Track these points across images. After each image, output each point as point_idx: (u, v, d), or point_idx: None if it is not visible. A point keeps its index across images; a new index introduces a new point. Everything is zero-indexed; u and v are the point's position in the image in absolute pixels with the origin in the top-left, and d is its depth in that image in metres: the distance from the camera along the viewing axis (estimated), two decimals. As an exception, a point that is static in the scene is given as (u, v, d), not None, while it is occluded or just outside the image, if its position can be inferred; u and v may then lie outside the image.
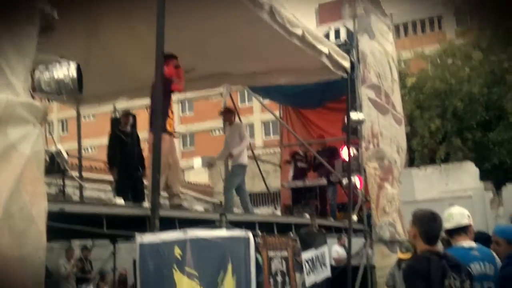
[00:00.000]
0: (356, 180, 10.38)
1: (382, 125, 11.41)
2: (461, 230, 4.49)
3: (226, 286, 5.23)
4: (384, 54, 12.06)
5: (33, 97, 3.69)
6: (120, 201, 6.45)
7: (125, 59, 8.37)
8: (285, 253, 7.23)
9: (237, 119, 9.84)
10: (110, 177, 10.41)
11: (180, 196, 7.30)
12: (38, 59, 3.72)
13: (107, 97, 10.41)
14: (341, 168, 10.85)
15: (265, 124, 41.41)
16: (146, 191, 8.14)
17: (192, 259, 4.89)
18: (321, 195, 10.73)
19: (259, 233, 6.76)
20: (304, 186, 10.93)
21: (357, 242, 10.68)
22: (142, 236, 4.75)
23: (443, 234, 4.26)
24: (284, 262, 7.16)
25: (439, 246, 4.20)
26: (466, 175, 20.07)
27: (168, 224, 5.41)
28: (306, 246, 7.90)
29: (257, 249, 6.17)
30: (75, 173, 9.81)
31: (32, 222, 3.31)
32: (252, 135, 38.04)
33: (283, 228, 8.00)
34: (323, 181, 10.80)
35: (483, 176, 20.41)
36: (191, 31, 7.37)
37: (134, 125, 9.40)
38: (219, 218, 6.06)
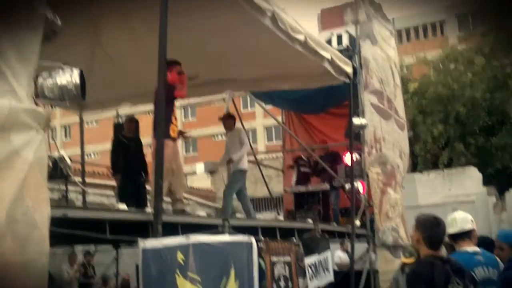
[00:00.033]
0: (359, 185, 10.37)
1: (384, 130, 11.39)
2: (465, 235, 4.49)
3: (229, 292, 5.23)
4: (386, 59, 12.06)
5: (36, 103, 3.70)
6: (123, 206, 6.46)
7: (128, 65, 8.40)
8: (288, 258, 7.22)
9: (237, 124, 9.85)
10: (113, 183, 10.43)
11: (183, 201, 7.31)
12: (41, 65, 3.74)
13: (110, 103, 10.43)
14: (343, 173, 10.85)
15: (268, 129, 41.44)
16: (148, 197, 8.15)
17: (194, 264, 4.89)
18: (324, 200, 10.72)
19: (262, 238, 6.75)
20: (307, 191, 10.92)
21: (360, 247, 10.66)
22: (145, 241, 4.76)
23: (446, 239, 4.25)
24: (287, 267, 7.14)
25: (442, 251, 4.19)
26: (469, 180, 20.04)
27: (171, 229, 5.41)
28: (309, 251, 7.89)
29: (260, 254, 6.17)
30: (78, 179, 9.82)
31: (35, 228, 3.32)
32: (254, 140, 38.04)
33: (286, 233, 8.00)
34: (326, 186, 10.80)
35: (486, 181, 20.37)
36: (193, 37, 7.40)
37: (137, 131, 9.42)
38: (222, 223, 6.06)
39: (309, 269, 7.78)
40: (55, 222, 3.64)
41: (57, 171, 7.34)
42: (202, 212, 8.72)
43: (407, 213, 11.75)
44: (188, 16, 6.52)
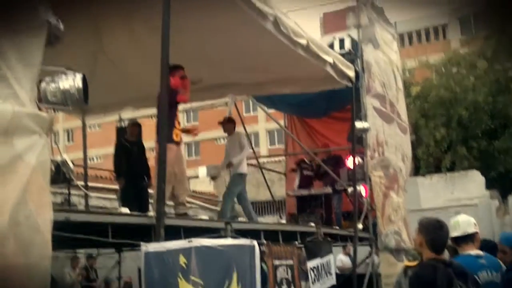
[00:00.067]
0: (361, 188, 10.37)
1: (387, 134, 11.39)
2: (468, 238, 4.48)
3: (231, 295, 5.23)
4: (388, 63, 12.06)
5: (39, 108, 3.71)
6: (125, 210, 6.46)
7: (130, 70, 8.42)
8: (290, 262, 7.22)
9: (237, 128, 9.86)
10: (115, 186, 10.44)
11: (186, 205, 7.32)
12: (44, 70, 3.75)
13: (112, 107, 10.45)
14: (346, 177, 10.85)
15: (270, 133, 41.46)
16: (151, 200, 8.17)
17: (197, 268, 4.90)
18: (326, 203, 10.72)
19: (264, 241, 6.76)
20: (309, 194, 10.93)
21: (363, 251, 10.65)
22: (147, 245, 4.77)
23: (449, 242, 4.25)
24: (289, 271, 7.14)
25: (445, 254, 4.19)
26: (472, 184, 20.00)
27: (173, 233, 5.41)
28: (311, 254, 7.89)
29: (262, 258, 6.17)
30: (80, 183, 9.84)
31: (38, 231, 3.33)
32: (257, 144, 38.01)
33: (288, 237, 8.00)
34: (329, 190, 10.80)
35: (489, 185, 20.33)
36: (195, 41, 7.41)
37: (139, 135, 9.44)
38: (224, 226, 6.07)
39: (312, 272, 7.78)
40: (58, 225, 3.65)
41: (59, 175, 7.37)
42: (204, 216, 8.71)
43: (409, 217, 11.74)
44: (190, 20, 6.54)
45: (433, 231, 3.79)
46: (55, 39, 3.80)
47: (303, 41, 7.47)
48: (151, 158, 8.72)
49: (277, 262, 6.85)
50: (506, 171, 21.74)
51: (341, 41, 11.11)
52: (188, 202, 10.10)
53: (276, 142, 39.89)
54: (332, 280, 8.52)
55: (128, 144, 9.21)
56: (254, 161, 13.67)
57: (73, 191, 9.36)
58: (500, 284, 4.34)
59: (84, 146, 11.29)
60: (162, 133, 5.71)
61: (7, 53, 3.41)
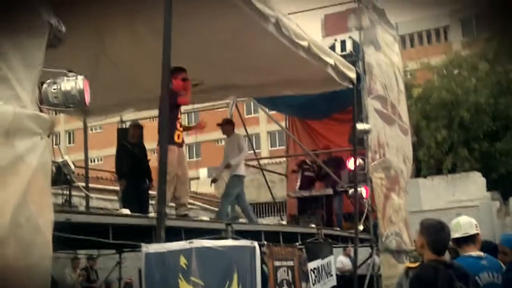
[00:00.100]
0: (362, 190, 10.37)
1: (388, 136, 11.39)
2: (469, 240, 4.48)
3: (232, 296, 5.24)
4: (390, 65, 12.07)
5: (40, 110, 3.72)
6: (126, 211, 6.47)
7: (132, 71, 8.43)
8: (291, 263, 7.22)
9: (236, 130, 9.87)
10: (116, 187, 10.44)
11: (187, 206, 7.32)
12: (45, 72, 3.76)
13: (114, 109, 10.45)
14: (347, 178, 10.85)
15: (271, 135, 41.46)
16: (152, 202, 8.17)
17: (197, 269, 4.90)
18: (327, 205, 10.72)
19: (265, 242, 6.76)
20: (310, 195, 10.93)
21: (363, 252, 10.65)
22: (148, 246, 4.77)
23: (450, 244, 4.25)
24: (290, 272, 7.15)
25: (446, 256, 4.18)
26: (473, 185, 19.99)
27: (174, 234, 5.42)
28: (312, 256, 7.89)
29: (262, 259, 6.17)
30: (81, 184, 9.85)
31: (39, 232, 3.34)
32: (258, 145, 38.04)
33: (289, 238, 8.00)
34: (329, 191, 10.80)
35: (490, 186, 20.32)
36: (197, 43, 7.42)
37: (141, 136, 9.44)
38: (225, 228, 6.07)
39: (312, 273, 7.78)
40: (59, 226, 3.66)
41: (60, 176, 7.38)
42: (205, 217, 8.72)
43: (411, 218, 11.74)
44: (191, 22, 6.54)
45: (435, 233, 3.78)
46: (57, 41, 3.81)
47: (304, 43, 7.47)
48: (153, 159, 8.74)
49: (277, 263, 6.86)
50: (507, 173, 21.73)
51: (343, 43, 11.11)
52: (189, 203, 10.10)
53: (277, 143, 39.89)
54: (333, 281, 8.53)
55: (129, 146, 9.22)
56: (255, 163, 13.69)
57: (74, 192, 9.37)
58: (501, 285, 4.34)
59: (85, 147, 11.29)
60: (163, 134, 5.72)
61: (8, 54, 3.42)
